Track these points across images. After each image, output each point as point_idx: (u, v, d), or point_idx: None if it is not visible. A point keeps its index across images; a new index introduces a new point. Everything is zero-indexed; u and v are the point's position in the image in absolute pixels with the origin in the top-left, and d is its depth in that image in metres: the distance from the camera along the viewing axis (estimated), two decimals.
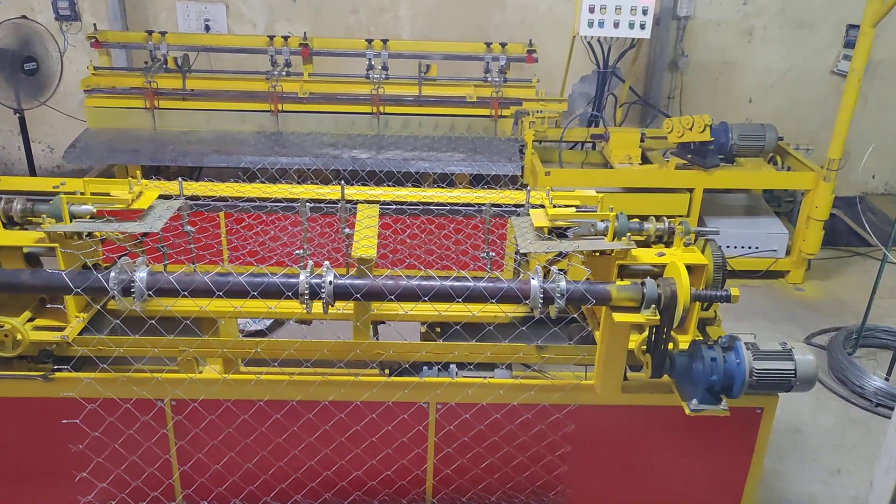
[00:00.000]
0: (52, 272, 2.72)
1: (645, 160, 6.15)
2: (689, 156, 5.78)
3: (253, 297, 2.73)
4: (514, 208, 3.66)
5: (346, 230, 3.55)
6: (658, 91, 7.22)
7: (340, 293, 2.73)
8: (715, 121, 5.77)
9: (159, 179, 3.65)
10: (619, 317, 2.79)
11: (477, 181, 5.70)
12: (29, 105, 6.26)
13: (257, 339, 3.20)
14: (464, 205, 3.75)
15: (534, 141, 5.99)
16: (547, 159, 6.24)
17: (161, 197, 3.49)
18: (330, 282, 2.74)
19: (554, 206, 3.39)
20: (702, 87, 7.37)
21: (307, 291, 2.69)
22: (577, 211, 3.41)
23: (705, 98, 7.37)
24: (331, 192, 3.75)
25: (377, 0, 7.11)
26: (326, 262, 2.81)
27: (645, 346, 2.98)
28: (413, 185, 5.55)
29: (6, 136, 7.44)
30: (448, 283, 2.82)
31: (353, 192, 3.74)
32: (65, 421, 2.88)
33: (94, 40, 6.10)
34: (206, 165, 5.79)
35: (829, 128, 5.97)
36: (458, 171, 5.69)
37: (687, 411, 2.82)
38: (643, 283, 2.82)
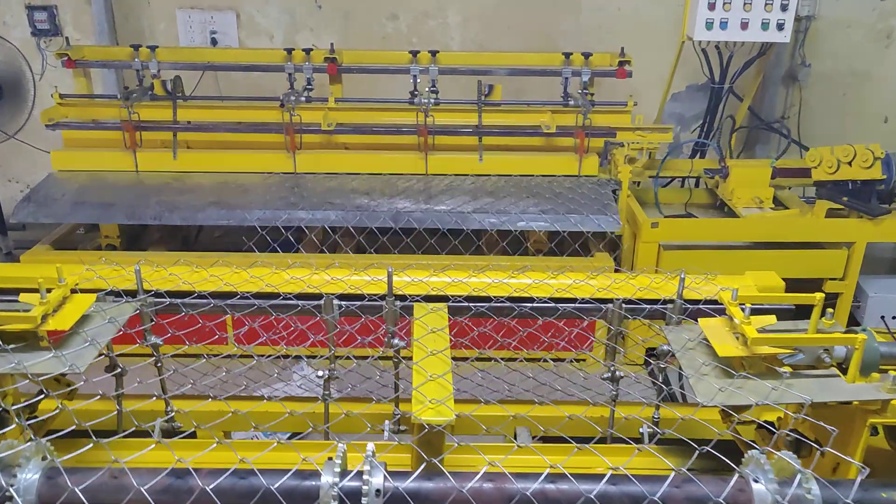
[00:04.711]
0: None
1: (777, 203, 4.73)
2: (845, 198, 4.33)
3: None
4: (659, 307, 2.28)
5: (396, 341, 2.29)
6: (771, 110, 5.78)
7: None
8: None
9: (104, 263, 2.35)
10: None
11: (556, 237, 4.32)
12: None
13: None
14: (568, 301, 2.37)
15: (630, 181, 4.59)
16: (639, 199, 4.86)
17: (110, 294, 2.22)
18: (377, 491, 1.46)
19: (749, 314, 1.95)
20: (824, 104, 5.90)
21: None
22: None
23: (828, 117, 5.90)
24: (371, 281, 2.42)
25: (420, 3, 5.79)
26: (370, 448, 1.52)
27: None
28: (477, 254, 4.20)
29: None
30: (602, 487, 1.47)
31: (405, 280, 2.42)
32: None
33: (66, 58, 4.79)
34: (201, 224, 4.42)
35: None
36: (535, 227, 4.29)
37: None
38: None
